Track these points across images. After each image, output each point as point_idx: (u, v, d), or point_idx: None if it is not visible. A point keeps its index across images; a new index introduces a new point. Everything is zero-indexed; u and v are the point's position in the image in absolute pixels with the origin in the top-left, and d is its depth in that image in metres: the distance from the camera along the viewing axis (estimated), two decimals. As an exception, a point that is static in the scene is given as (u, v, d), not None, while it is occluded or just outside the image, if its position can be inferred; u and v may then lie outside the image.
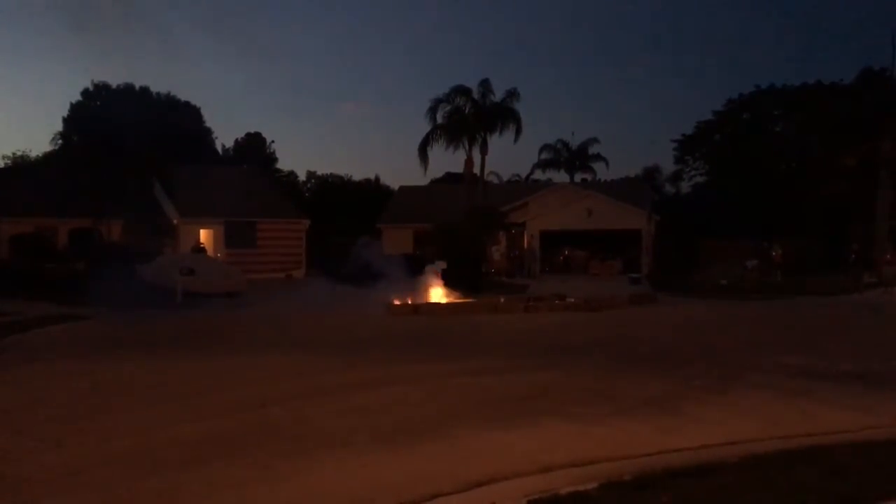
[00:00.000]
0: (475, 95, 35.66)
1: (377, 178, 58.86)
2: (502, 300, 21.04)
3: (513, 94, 35.80)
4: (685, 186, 53.57)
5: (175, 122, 46.64)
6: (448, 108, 35.81)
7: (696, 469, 5.63)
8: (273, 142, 57.40)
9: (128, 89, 49.22)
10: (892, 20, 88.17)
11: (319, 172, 60.56)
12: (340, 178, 59.04)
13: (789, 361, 10.81)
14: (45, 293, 21.09)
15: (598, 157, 50.88)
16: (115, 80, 50.20)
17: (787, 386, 8.94)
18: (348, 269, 23.48)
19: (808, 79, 49.53)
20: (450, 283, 21.90)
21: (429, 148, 35.82)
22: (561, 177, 50.08)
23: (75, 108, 48.42)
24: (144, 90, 49.91)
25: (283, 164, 58.24)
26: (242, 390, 8.84)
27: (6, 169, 43.46)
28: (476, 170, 36.20)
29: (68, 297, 19.98)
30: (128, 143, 35.34)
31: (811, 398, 8.27)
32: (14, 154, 47.82)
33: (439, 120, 35.81)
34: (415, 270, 22.22)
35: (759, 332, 15.20)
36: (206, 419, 7.36)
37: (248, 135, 56.84)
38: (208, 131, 53.73)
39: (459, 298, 21.18)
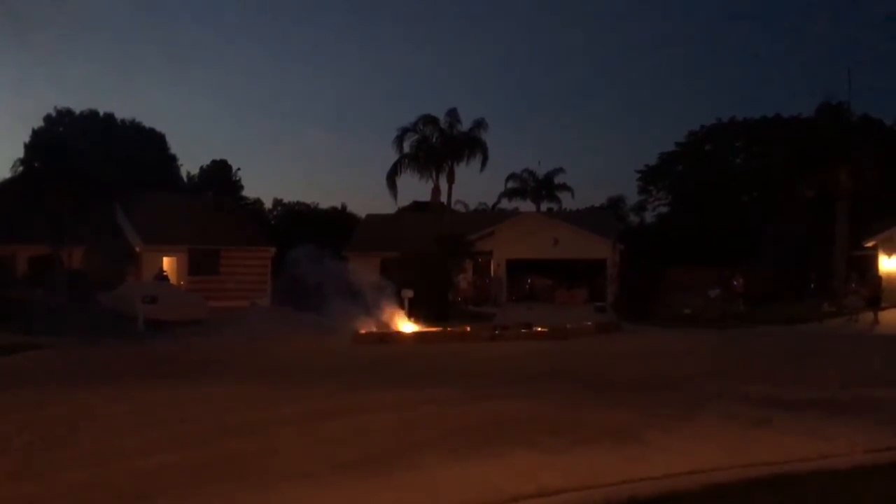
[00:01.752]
0: (442, 125, 35.99)
1: (344, 207, 58.80)
2: (469, 329, 21.06)
3: (480, 123, 36.21)
4: (649, 216, 54.39)
5: (139, 149, 46.21)
6: (415, 136, 36.08)
7: (659, 498, 5.66)
8: (239, 169, 57.16)
9: (91, 116, 48.74)
10: (847, 56, 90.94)
11: (286, 200, 60.37)
12: (307, 205, 58.85)
13: (751, 390, 10.93)
14: (3, 322, 20.62)
15: (563, 186, 51.39)
16: (78, 107, 49.76)
17: (750, 414, 9.03)
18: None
19: (768, 112, 50.71)
20: (417, 311, 21.88)
21: (397, 177, 35.98)
22: (527, 206, 50.47)
23: (37, 135, 47.75)
24: (109, 117, 49.48)
25: (250, 192, 58.00)
26: (205, 421, 8.70)
27: (-35, 195, 42.52)
28: (443, 198, 36.40)
29: (27, 325, 19.57)
30: (91, 169, 34.86)
31: (772, 426, 8.36)
32: (-27, 180, 46.90)
33: (406, 149, 36.07)
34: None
35: (722, 360, 15.37)
36: (167, 450, 7.22)
37: (214, 162, 56.51)
38: (173, 158, 53.34)
39: (426, 327, 21.15)
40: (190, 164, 57.79)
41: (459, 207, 48.71)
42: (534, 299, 35.83)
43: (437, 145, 35.82)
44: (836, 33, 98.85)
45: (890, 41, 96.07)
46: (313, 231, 48.67)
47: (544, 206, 50.22)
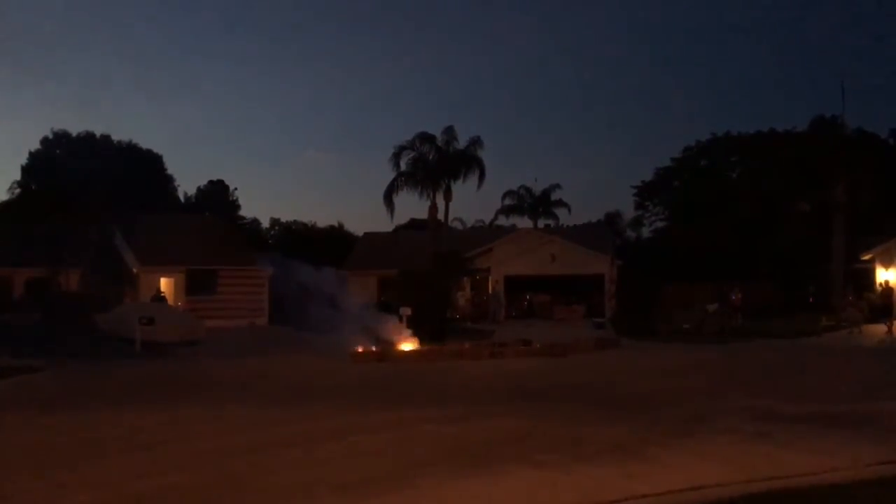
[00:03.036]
0: (439, 142, 35.98)
1: (341, 225, 58.82)
2: (467, 346, 20.99)
3: (476, 141, 36.21)
4: (646, 231, 54.37)
5: (136, 171, 46.27)
6: (412, 154, 36.09)
7: (661, 515, 5.63)
8: (236, 189, 57.25)
9: (88, 137, 48.82)
10: (842, 69, 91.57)
11: (283, 219, 60.48)
12: (304, 225, 58.89)
13: (752, 405, 10.90)
14: (0, 345, 20.52)
15: (560, 202, 51.48)
16: (74, 129, 49.91)
17: (751, 429, 9.01)
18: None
19: (763, 126, 50.85)
20: (415, 329, 21.82)
21: (394, 195, 35.98)
22: (524, 222, 50.48)
23: (34, 157, 47.84)
24: (105, 138, 49.56)
25: (247, 212, 58.06)
26: (203, 443, 8.66)
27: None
28: (440, 216, 36.37)
29: (24, 348, 19.45)
30: (87, 191, 34.94)
31: (773, 441, 8.34)
32: (-30, 204, 46.95)
33: (403, 167, 36.02)
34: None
35: (722, 375, 15.33)
36: (165, 473, 7.18)
37: (211, 182, 56.59)
38: (170, 179, 53.41)
39: (424, 345, 21.08)
40: (187, 184, 57.87)
41: (457, 225, 48.80)
42: (532, 316, 35.73)
43: (434, 163, 35.80)
44: (830, 47, 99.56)
45: (884, 55, 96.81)
46: (311, 250, 48.76)
47: (541, 223, 50.30)
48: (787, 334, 24.79)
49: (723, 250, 39.49)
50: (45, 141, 48.82)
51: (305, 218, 62.60)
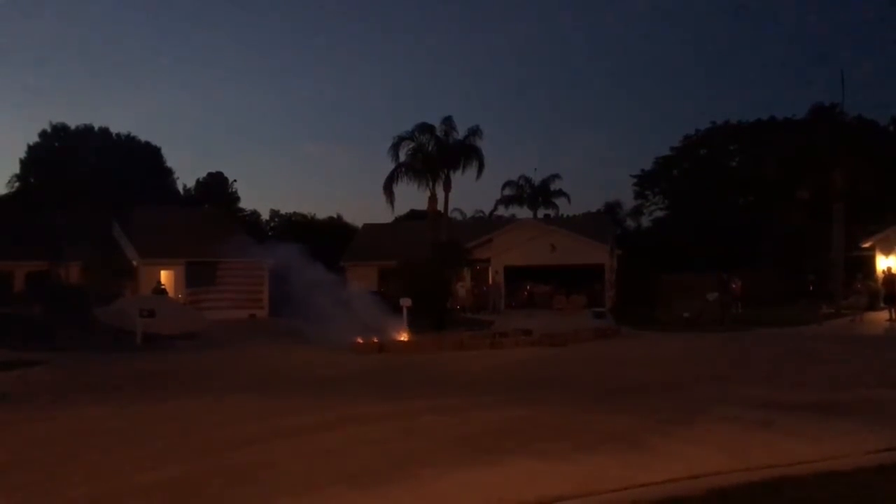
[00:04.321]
0: (438, 133, 35.91)
1: (340, 217, 58.81)
2: (467, 336, 21.01)
3: (475, 131, 36.15)
4: (646, 221, 54.41)
5: (135, 163, 46.26)
6: (411, 145, 36.03)
7: (661, 503, 5.62)
8: (235, 181, 57.21)
9: (87, 130, 48.80)
10: (842, 57, 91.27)
11: (283, 211, 60.48)
12: (304, 216, 58.85)
13: (752, 393, 10.90)
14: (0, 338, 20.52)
15: (560, 192, 51.51)
16: (73, 121, 49.87)
17: (751, 417, 9.00)
18: None
19: (762, 115, 50.86)
20: (415, 320, 21.83)
21: (394, 185, 35.93)
22: (524, 213, 50.54)
23: (33, 150, 47.80)
24: (104, 131, 49.54)
25: (246, 204, 58.11)
26: (205, 434, 8.66)
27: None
28: (440, 206, 36.33)
29: (24, 341, 19.45)
30: (86, 184, 34.90)
31: (774, 429, 8.33)
32: (-32, 197, 46.91)
33: (402, 157, 35.98)
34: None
35: (722, 364, 15.33)
36: (165, 465, 7.19)
37: (210, 174, 56.57)
38: (169, 171, 53.38)
39: (425, 335, 21.10)
40: (186, 176, 58.05)
41: (456, 215, 48.76)
42: (532, 306, 35.75)
43: (434, 154, 35.75)
44: (830, 35, 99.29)
45: (884, 42, 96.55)
46: (311, 242, 48.67)
47: (541, 213, 50.33)
48: (787, 322, 24.78)
49: (723, 239, 39.54)
50: (43, 134, 48.77)
51: (305, 210, 62.60)
